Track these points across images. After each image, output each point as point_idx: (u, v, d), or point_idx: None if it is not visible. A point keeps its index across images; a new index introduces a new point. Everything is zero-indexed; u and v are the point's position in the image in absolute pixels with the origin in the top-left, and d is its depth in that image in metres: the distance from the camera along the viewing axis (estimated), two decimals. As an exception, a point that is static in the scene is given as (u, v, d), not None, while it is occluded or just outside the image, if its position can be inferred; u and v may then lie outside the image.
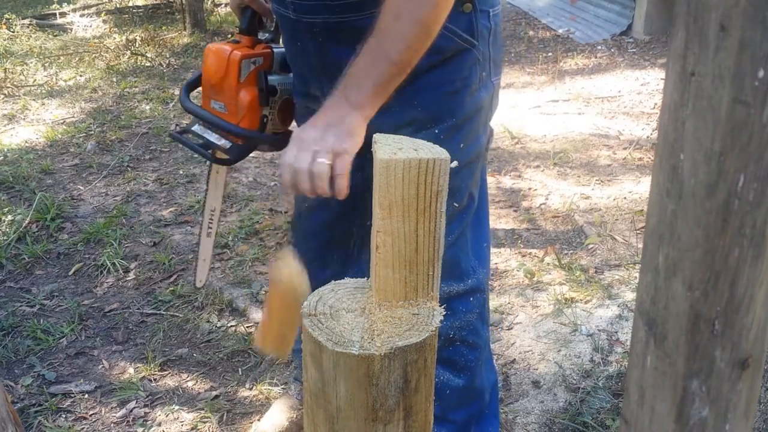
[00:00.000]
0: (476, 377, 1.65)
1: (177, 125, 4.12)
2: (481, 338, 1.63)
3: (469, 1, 1.35)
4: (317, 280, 1.41)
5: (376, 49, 1.18)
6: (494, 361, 1.86)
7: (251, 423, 2.03)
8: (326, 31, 1.37)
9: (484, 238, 1.64)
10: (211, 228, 2.08)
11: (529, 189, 3.39)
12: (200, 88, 1.69)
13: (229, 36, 1.91)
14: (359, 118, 1.20)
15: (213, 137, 1.65)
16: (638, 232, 2.97)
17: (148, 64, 5.65)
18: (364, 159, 1.47)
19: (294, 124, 1.69)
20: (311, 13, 1.35)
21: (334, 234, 1.64)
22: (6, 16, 6.77)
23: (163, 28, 6.87)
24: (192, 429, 2.03)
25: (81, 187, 3.49)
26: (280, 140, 1.66)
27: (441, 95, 1.38)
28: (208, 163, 1.89)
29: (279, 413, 1.96)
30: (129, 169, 3.71)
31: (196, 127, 1.68)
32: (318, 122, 1.22)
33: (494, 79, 1.49)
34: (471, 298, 1.56)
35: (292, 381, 2.02)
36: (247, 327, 2.44)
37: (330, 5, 1.33)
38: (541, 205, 3.24)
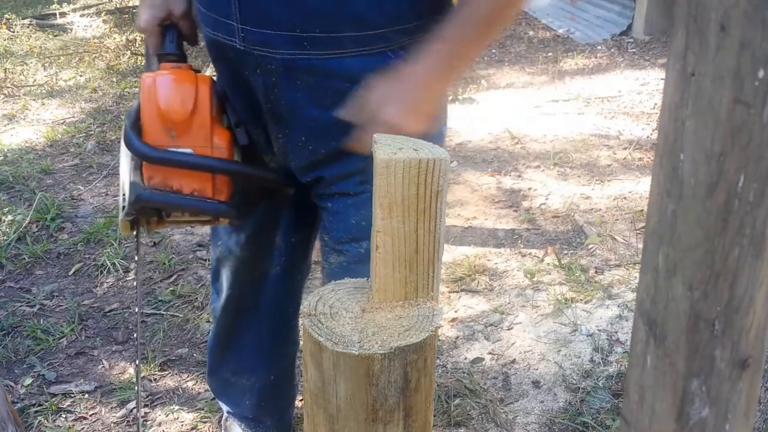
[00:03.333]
0: None
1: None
2: None
3: None
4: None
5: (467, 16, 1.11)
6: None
7: (251, 423, 2.03)
8: (284, 69, 1.16)
9: None
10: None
11: (529, 189, 3.39)
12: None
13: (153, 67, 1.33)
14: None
15: (186, 200, 1.19)
16: (638, 232, 2.97)
17: (148, 64, 5.65)
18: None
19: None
20: (268, 45, 1.14)
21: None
22: (6, 16, 6.76)
23: (163, 28, 6.86)
24: (192, 429, 2.03)
25: (81, 187, 3.49)
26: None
27: None
28: (134, 235, 1.31)
29: None
30: (129, 169, 3.71)
31: (148, 193, 1.18)
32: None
33: (444, 129, 1.37)
34: None
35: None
36: (247, 327, 2.44)
37: (297, 38, 1.12)
38: (541, 205, 3.24)
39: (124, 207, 1.19)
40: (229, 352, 1.71)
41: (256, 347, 1.69)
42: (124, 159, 1.21)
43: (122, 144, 1.22)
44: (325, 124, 1.20)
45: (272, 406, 1.82)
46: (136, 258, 1.36)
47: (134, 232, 1.26)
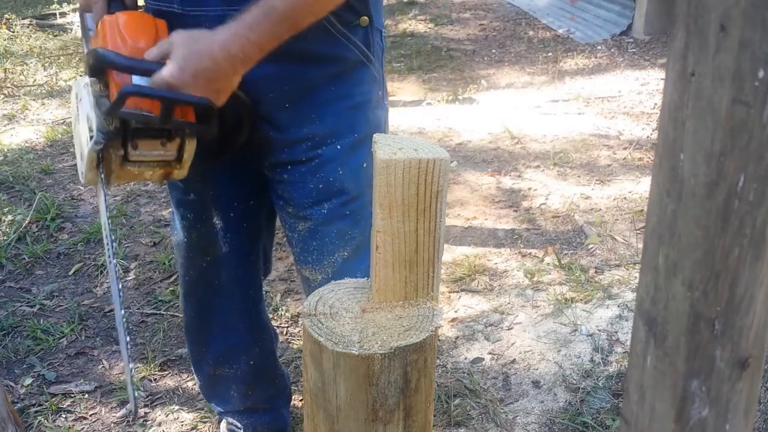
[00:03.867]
0: None
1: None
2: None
3: (366, 15, 1.31)
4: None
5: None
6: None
7: (251, 423, 2.03)
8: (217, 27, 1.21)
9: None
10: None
11: (529, 189, 3.39)
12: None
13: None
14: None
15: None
16: (638, 232, 2.97)
17: (148, 64, 5.64)
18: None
19: None
20: (201, 4, 1.24)
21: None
22: (6, 16, 6.76)
23: (163, 28, 6.85)
24: (192, 429, 2.03)
25: (81, 187, 3.49)
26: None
27: (340, 110, 1.33)
28: (101, 171, 1.22)
29: None
30: (129, 169, 3.71)
31: (127, 110, 1.13)
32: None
33: (386, 102, 1.44)
34: None
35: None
36: (247, 327, 2.44)
37: None
38: (541, 205, 3.24)
39: (91, 137, 1.17)
40: (204, 344, 1.74)
41: (227, 330, 1.70)
42: (85, 99, 1.20)
43: (79, 86, 1.23)
44: (260, 79, 1.24)
45: (260, 395, 1.84)
46: (103, 202, 1.27)
47: (100, 169, 1.23)
